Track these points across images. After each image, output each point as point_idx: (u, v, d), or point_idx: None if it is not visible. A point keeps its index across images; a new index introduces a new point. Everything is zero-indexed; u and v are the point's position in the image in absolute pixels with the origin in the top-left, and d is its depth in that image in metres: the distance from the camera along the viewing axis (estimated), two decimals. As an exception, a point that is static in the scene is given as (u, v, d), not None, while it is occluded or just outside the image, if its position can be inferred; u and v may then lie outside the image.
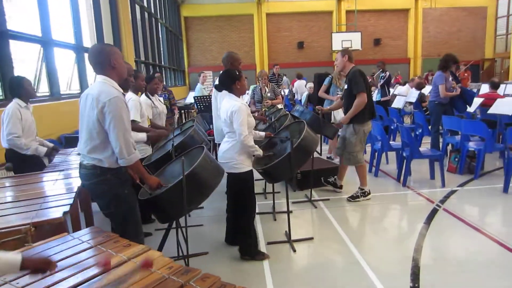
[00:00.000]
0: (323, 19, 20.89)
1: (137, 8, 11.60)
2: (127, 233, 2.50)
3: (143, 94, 4.71)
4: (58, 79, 6.58)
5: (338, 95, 5.96)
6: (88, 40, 8.41)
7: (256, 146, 3.27)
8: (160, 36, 15.00)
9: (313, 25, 20.93)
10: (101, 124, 2.38)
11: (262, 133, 3.74)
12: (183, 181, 2.57)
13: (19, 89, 3.82)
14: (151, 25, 13.29)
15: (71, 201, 2.51)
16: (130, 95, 4.10)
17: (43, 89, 6.45)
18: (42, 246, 1.93)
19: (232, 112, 3.15)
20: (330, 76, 6.47)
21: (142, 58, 11.88)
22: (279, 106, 6.56)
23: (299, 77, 13.06)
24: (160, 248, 3.56)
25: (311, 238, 3.76)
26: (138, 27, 11.65)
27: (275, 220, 4.32)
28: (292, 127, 3.68)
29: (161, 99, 7.28)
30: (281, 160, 3.19)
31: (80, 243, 1.95)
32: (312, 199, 4.85)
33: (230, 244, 3.68)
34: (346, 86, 4.54)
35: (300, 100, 11.92)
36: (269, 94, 6.35)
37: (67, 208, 2.36)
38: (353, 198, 4.76)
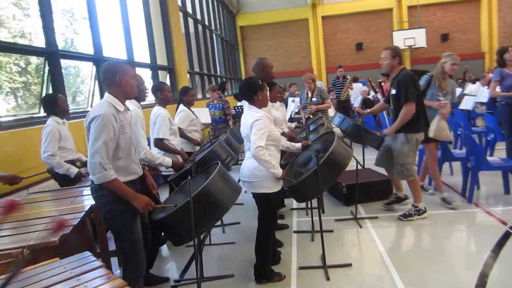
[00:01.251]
0: (382, 17, 19.81)
1: (190, 21, 11.80)
2: (123, 249, 2.54)
3: (181, 105, 4.63)
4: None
5: (442, 101, 4.43)
6: (142, 56, 8.67)
7: (274, 163, 2.90)
8: (215, 46, 15.17)
9: (371, 24, 19.92)
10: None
11: (298, 144, 3.41)
12: (190, 203, 2.36)
13: (54, 106, 3.88)
14: (205, 37, 13.47)
15: (75, 221, 2.42)
16: (157, 109, 4.01)
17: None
18: (30, 271, 1.83)
19: (252, 122, 2.88)
20: (428, 74, 4.88)
21: (196, 69, 12.04)
22: (330, 112, 6.18)
23: (355, 80, 12.40)
24: (185, 269, 3.42)
25: (349, 265, 3.34)
26: (192, 39, 11.84)
27: (312, 240, 3.95)
28: (324, 138, 3.32)
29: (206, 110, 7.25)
30: (307, 177, 2.86)
31: (63, 272, 1.80)
32: (358, 216, 4.40)
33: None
34: (394, 91, 4.04)
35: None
36: (314, 99, 5.98)
37: (67, 230, 2.25)
38: (405, 217, 4.22)
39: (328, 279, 3.13)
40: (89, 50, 6.52)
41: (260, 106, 3.01)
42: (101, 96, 6.61)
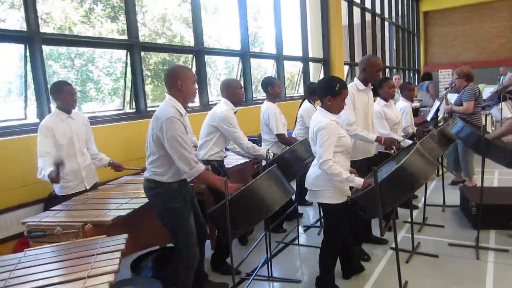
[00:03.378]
0: None
1: (356, 10, 11.37)
2: (178, 243, 2.70)
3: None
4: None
5: None
6: (293, 48, 8.88)
7: (346, 173, 2.61)
8: (386, 35, 14.21)
9: None
10: (160, 141, 2.53)
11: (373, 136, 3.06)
12: (225, 205, 2.40)
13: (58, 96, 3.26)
14: (374, 26, 12.75)
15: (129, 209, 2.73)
16: (269, 105, 4.10)
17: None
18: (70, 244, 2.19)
19: (318, 129, 2.68)
20: None
21: (356, 60, 11.60)
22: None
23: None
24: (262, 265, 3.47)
25: (433, 302, 2.79)
26: (357, 29, 11.42)
27: (406, 262, 3.43)
28: (408, 149, 2.82)
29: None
30: (366, 193, 2.50)
31: (92, 249, 2.06)
32: (482, 245, 3.58)
33: (344, 278, 3.20)
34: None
35: None
36: (457, 98, 5.05)
37: (122, 213, 2.61)
38: (543, 256, 3.24)
39: (396, 311, 2.71)
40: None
41: (330, 112, 2.76)
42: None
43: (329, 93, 2.71)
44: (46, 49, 4.80)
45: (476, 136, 3.26)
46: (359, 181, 2.64)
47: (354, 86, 3.48)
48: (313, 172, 2.82)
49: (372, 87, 3.95)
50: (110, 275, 1.71)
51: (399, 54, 15.47)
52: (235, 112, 3.44)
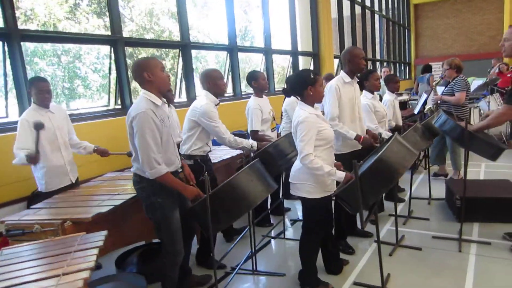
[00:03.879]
0: None
1: (346, 3, 11.37)
2: (162, 239, 2.69)
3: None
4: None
5: None
6: (282, 42, 8.88)
7: (328, 167, 2.62)
8: (377, 28, 14.25)
9: None
10: (132, 136, 2.52)
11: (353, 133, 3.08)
12: (206, 200, 2.41)
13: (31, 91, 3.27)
14: (364, 19, 12.76)
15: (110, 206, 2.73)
16: (251, 101, 4.09)
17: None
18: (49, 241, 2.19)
19: (297, 123, 2.69)
20: None
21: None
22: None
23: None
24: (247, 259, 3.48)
25: (412, 293, 2.83)
26: (346, 22, 11.44)
27: (390, 255, 3.47)
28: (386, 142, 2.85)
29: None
30: (348, 187, 2.52)
31: (70, 246, 2.06)
32: (465, 238, 3.63)
33: (327, 272, 3.21)
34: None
35: None
36: (446, 89, 5.09)
37: (103, 210, 2.62)
38: (523, 248, 3.30)
39: (376, 305, 2.75)
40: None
41: (312, 102, 2.77)
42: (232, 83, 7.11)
43: (308, 83, 2.72)
44: (30, 46, 4.76)
45: (460, 129, 3.28)
46: (341, 174, 2.65)
47: (340, 79, 3.49)
48: (295, 165, 2.84)
49: (358, 80, 3.97)
50: (85, 272, 1.71)
51: (390, 47, 15.53)
52: (217, 105, 3.37)
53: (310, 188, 2.72)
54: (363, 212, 2.63)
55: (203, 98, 3.35)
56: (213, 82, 3.37)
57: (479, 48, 17.21)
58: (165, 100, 2.68)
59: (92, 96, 5.74)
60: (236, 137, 3.39)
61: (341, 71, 3.57)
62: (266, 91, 4.31)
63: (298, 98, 2.84)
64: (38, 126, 3.07)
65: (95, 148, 3.56)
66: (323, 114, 3.17)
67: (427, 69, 9.09)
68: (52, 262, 1.86)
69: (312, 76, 2.73)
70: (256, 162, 2.69)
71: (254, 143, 3.53)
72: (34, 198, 3.48)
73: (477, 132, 3.26)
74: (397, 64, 16.77)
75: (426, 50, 18.48)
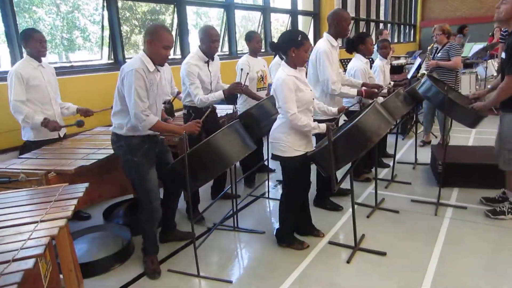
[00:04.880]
0: None
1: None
2: (139, 197, 2.80)
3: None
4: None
5: None
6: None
7: (312, 122, 2.76)
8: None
9: None
10: (121, 92, 2.59)
11: (334, 109, 3.11)
12: (185, 159, 2.49)
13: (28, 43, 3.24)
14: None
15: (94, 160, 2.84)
16: (242, 58, 4.14)
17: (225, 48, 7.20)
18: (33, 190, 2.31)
19: (276, 86, 2.74)
20: None
21: (352, 14, 11.36)
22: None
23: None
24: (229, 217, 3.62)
25: (383, 253, 2.97)
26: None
27: (367, 217, 3.61)
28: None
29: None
30: (322, 149, 2.60)
31: (51, 195, 2.16)
32: (442, 201, 3.75)
33: (299, 234, 3.31)
34: (503, 54, 3.12)
35: None
36: (439, 55, 5.06)
37: (86, 163, 2.73)
38: (494, 213, 3.43)
39: (348, 261, 2.89)
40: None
41: (293, 64, 2.79)
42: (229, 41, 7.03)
43: (292, 44, 2.73)
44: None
45: (441, 96, 3.31)
46: (323, 126, 2.77)
47: (328, 42, 3.49)
48: (274, 124, 2.93)
49: (351, 43, 3.95)
50: (61, 220, 1.82)
51: (395, 8, 15.13)
52: (206, 62, 3.44)
53: (282, 147, 2.83)
54: (337, 175, 2.72)
55: (190, 54, 3.45)
56: (206, 41, 3.40)
57: (487, 11, 16.70)
58: (159, 68, 2.72)
59: (92, 48, 5.70)
60: (205, 95, 3.42)
61: (325, 33, 3.55)
62: (259, 53, 4.29)
63: (283, 57, 2.87)
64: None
65: (78, 108, 3.58)
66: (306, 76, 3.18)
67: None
68: (33, 210, 1.98)
69: (299, 39, 2.73)
70: (235, 123, 2.75)
71: (220, 93, 3.50)
72: (25, 147, 3.57)
73: (486, 108, 3.26)
74: (402, 26, 16.40)
75: (433, 12, 17.98)
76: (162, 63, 2.69)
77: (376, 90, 3.66)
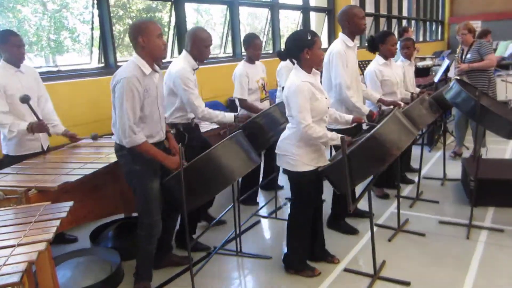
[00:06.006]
0: None
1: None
2: (138, 210, 2.87)
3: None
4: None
5: None
6: None
7: (329, 132, 2.75)
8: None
9: None
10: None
11: (349, 117, 3.11)
12: (180, 173, 2.51)
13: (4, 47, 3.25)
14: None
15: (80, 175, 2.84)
16: (239, 66, 4.13)
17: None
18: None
19: (289, 93, 2.74)
20: None
21: (370, 10, 11.42)
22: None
23: None
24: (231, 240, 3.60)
25: (407, 283, 2.93)
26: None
27: (389, 240, 3.57)
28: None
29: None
30: (336, 163, 2.59)
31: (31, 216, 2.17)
32: (475, 223, 3.71)
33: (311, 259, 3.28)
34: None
35: None
36: (469, 56, 5.06)
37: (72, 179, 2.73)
38: (535, 237, 3.38)
39: (368, 293, 2.87)
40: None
41: (309, 67, 2.81)
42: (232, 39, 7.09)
43: (304, 45, 2.74)
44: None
45: (473, 102, 3.29)
46: (335, 137, 2.75)
47: (343, 43, 3.51)
48: (282, 134, 2.95)
49: (372, 41, 3.95)
50: (41, 244, 1.82)
51: (420, 3, 15.15)
52: (195, 69, 3.34)
53: (291, 160, 2.82)
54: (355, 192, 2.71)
55: (180, 60, 3.32)
56: (198, 45, 3.29)
57: (527, 4, 16.67)
58: (157, 68, 2.75)
59: (82, 50, 5.78)
60: (211, 110, 3.36)
61: (340, 33, 3.57)
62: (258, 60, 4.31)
63: (294, 62, 2.89)
64: (25, 99, 3.08)
65: (65, 131, 3.59)
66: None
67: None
68: (10, 232, 1.98)
69: (309, 37, 2.75)
70: (237, 134, 2.76)
71: (231, 116, 3.43)
72: (2, 162, 3.60)
73: (492, 105, 3.27)
74: (428, 23, 16.41)
75: (462, 7, 17.97)
76: (163, 53, 2.74)
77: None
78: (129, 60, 2.72)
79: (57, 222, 2.08)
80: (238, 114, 3.42)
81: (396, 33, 9.50)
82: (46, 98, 3.58)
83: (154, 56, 2.69)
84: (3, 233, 1.97)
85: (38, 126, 3.21)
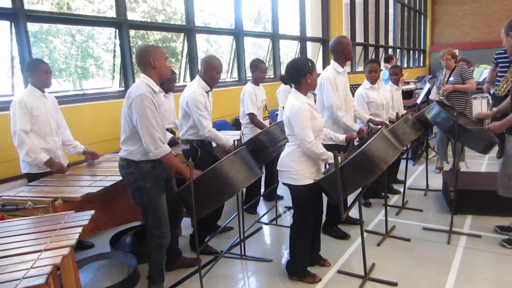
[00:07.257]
0: None
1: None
2: (148, 223, 2.78)
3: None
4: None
5: None
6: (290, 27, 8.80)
7: (327, 152, 2.75)
8: (390, 14, 13.99)
9: None
10: (130, 118, 2.61)
11: (342, 136, 3.10)
12: (191, 186, 2.50)
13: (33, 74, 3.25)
14: (377, 4, 12.55)
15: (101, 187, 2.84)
16: (247, 86, 4.17)
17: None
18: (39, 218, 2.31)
19: (291, 114, 2.74)
20: None
21: (359, 40, 11.49)
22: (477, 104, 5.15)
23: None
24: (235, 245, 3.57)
25: (395, 284, 2.89)
26: (358, 7, 11.28)
27: (378, 245, 3.53)
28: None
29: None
30: (329, 176, 2.58)
31: (56, 223, 2.17)
32: (455, 230, 3.67)
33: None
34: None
35: None
36: (452, 79, 5.06)
37: (93, 190, 2.74)
38: (510, 243, 3.33)
39: (361, 292, 2.82)
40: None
41: (307, 91, 2.83)
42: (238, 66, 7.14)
43: (306, 71, 2.77)
44: (44, 25, 4.86)
45: (452, 121, 3.28)
46: (330, 154, 2.73)
47: (333, 69, 3.54)
48: (283, 152, 2.92)
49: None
50: (65, 249, 1.82)
51: (403, 34, 15.25)
52: (208, 92, 3.36)
53: (293, 174, 2.80)
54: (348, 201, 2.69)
55: (194, 84, 3.36)
56: (210, 71, 3.33)
57: (498, 36, 16.74)
58: (160, 89, 2.76)
59: (105, 76, 5.84)
60: (218, 132, 3.36)
61: (332, 60, 3.60)
62: (262, 82, 4.34)
63: (292, 86, 2.90)
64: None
65: (86, 150, 3.56)
66: (315, 102, 3.21)
67: None
68: (38, 238, 1.98)
69: (310, 64, 2.79)
70: (241, 150, 2.76)
71: (231, 141, 3.39)
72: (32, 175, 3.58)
73: (468, 124, 3.27)
74: (411, 51, 16.49)
75: (442, 37, 18.10)
76: (168, 75, 2.77)
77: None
78: (137, 80, 2.69)
79: (80, 229, 2.07)
80: (235, 140, 3.34)
81: (382, 60, 9.55)
82: (65, 127, 3.54)
83: (162, 76, 2.70)
84: (31, 239, 1.97)
85: (57, 166, 3.19)
